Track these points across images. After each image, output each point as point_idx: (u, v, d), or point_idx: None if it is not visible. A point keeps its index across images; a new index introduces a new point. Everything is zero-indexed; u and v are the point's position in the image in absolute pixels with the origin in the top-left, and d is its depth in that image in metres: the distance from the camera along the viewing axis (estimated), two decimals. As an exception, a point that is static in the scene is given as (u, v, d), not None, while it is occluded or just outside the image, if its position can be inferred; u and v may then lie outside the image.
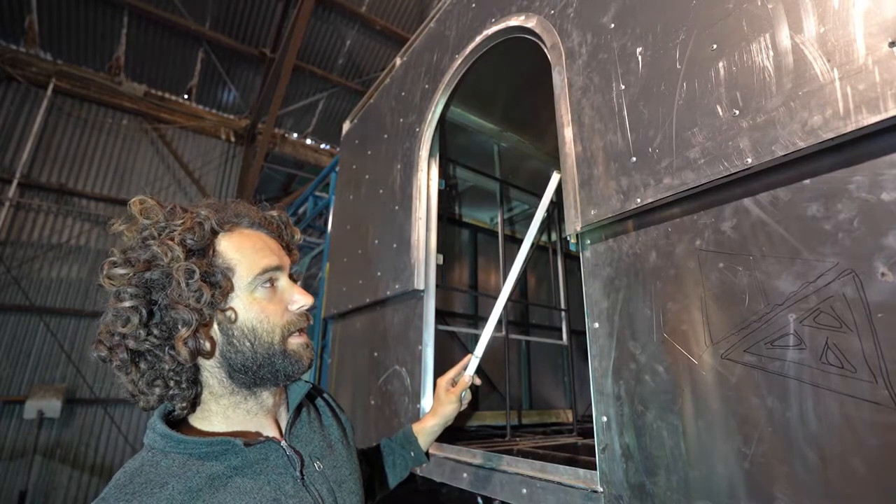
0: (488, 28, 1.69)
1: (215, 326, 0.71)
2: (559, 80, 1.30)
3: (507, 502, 1.23)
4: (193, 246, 0.70)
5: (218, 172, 8.78)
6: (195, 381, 0.71)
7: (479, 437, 1.95)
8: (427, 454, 1.27)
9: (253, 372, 0.72)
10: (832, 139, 0.71)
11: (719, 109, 0.88)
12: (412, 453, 1.22)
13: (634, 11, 1.11)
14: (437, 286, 1.81)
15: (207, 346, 0.70)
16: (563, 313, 2.81)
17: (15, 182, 6.81)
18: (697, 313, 0.89)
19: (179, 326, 0.67)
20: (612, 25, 1.16)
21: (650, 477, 0.92)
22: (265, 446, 0.72)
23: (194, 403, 0.73)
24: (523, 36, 1.54)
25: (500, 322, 1.37)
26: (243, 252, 0.74)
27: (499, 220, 2.70)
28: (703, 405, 0.86)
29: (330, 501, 0.75)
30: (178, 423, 0.73)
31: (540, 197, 1.41)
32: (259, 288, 0.74)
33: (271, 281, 0.76)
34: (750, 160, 0.81)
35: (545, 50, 1.39)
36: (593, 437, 1.05)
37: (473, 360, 1.27)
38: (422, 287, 1.76)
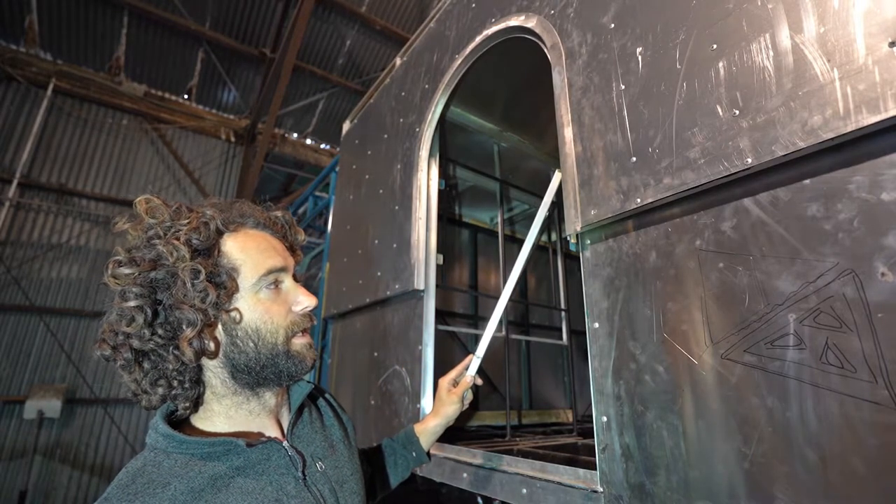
0: (488, 28, 1.69)
1: (219, 327, 0.71)
2: (559, 80, 1.30)
3: (507, 502, 1.23)
4: (199, 246, 0.70)
5: (218, 172, 8.78)
6: (198, 381, 0.71)
7: (479, 437, 1.96)
8: (428, 454, 1.27)
9: (256, 372, 0.72)
10: (832, 139, 0.71)
11: (719, 109, 0.88)
12: (414, 453, 1.22)
13: (634, 11, 1.11)
14: (437, 286, 1.81)
15: (212, 346, 0.70)
16: (563, 313, 2.81)
17: (15, 182, 6.81)
18: (697, 313, 0.89)
19: (184, 327, 0.66)
20: (612, 25, 1.16)
21: (650, 477, 0.92)
22: (267, 447, 0.72)
23: (197, 403, 0.73)
24: (523, 36, 1.54)
25: (500, 322, 1.37)
26: (248, 253, 0.74)
27: (499, 220, 2.70)
28: (703, 405, 0.86)
29: (332, 501, 0.75)
30: (180, 423, 0.73)
31: (540, 197, 1.42)
32: (263, 289, 0.74)
33: (276, 282, 0.76)
34: (750, 160, 0.81)
35: (545, 50, 1.39)
36: (593, 437, 1.05)
37: (475, 361, 1.27)
38: (422, 287, 1.76)
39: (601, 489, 1.00)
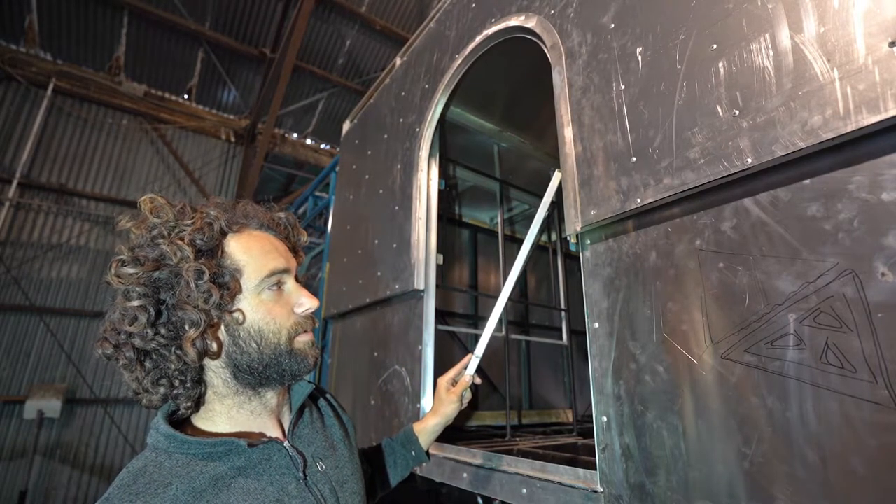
0: (488, 28, 1.69)
1: (222, 327, 0.71)
2: (559, 80, 1.30)
3: (507, 502, 1.23)
4: (203, 246, 0.70)
5: (218, 172, 8.78)
6: (199, 381, 0.71)
7: (479, 437, 1.96)
8: (428, 453, 1.27)
9: (259, 373, 0.73)
10: (832, 139, 0.71)
11: (719, 109, 0.88)
12: (413, 452, 1.22)
13: (634, 11, 1.11)
14: (437, 286, 1.81)
15: (214, 346, 0.70)
16: (563, 313, 2.81)
17: (15, 182, 6.80)
18: (697, 313, 0.89)
19: (187, 327, 0.66)
20: (612, 25, 1.16)
21: (650, 477, 0.92)
22: (268, 447, 0.72)
23: (198, 403, 0.73)
24: (523, 36, 1.54)
25: (500, 322, 1.37)
26: (251, 254, 0.74)
27: (499, 220, 2.70)
28: (703, 405, 0.86)
29: (332, 502, 0.75)
30: (181, 423, 0.73)
31: (540, 197, 1.42)
32: (266, 290, 0.74)
33: (278, 283, 0.76)
34: (750, 160, 0.81)
35: (545, 50, 1.39)
36: (593, 437, 1.05)
37: (474, 360, 1.27)
38: (422, 287, 1.76)
39: (601, 489, 1.00)
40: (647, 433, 0.94)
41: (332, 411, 0.94)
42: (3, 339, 6.52)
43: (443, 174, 2.09)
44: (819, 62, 0.75)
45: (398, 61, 2.38)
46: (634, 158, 1.03)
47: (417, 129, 2.00)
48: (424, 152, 1.93)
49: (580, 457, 1.42)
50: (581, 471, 1.07)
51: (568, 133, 1.23)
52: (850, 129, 0.69)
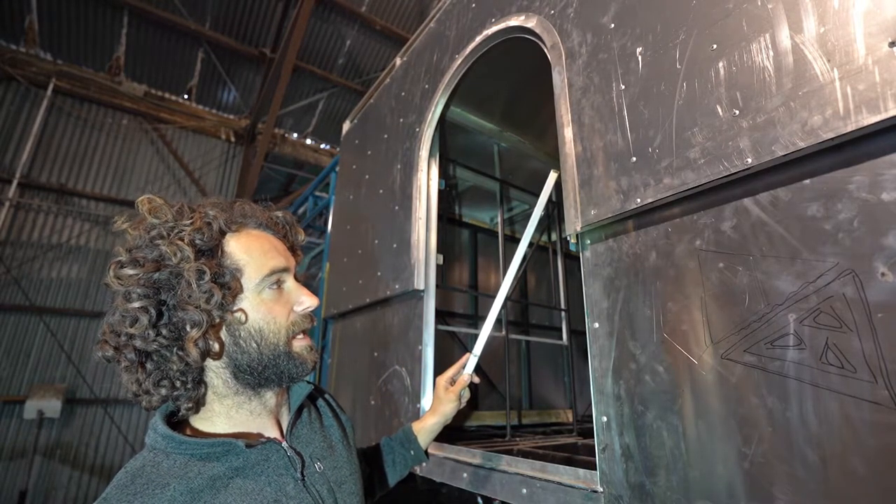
0: (488, 28, 1.69)
1: (223, 327, 0.71)
2: (559, 80, 1.30)
3: (507, 502, 1.23)
4: (203, 246, 0.70)
5: (218, 172, 8.78)
6: (200, 382, 0.71)
7: (479, 437, 1.96)
8: (427, 453, 1.27)
9: (258, 373, 0.73)
10: (832, 139, 0.71)
11: (719, 109, 0.88)
12: (412, 452, 1.22)
13: (634, 11, 1.11)
14: (437, 286, 1.81)
15: (216, 346, 0.70)
16: (563, 313, 2.81)
17: (15, 182, 6.80)
18: (697, 313, 0.89)
19: (189, 327, 0.66)
20: (612, 25, 1.16)
21: (650, 477, 0.92)
22: (266, 447, 0.72)
23: (198, 404, 0.73)
24: (523, 36, 1.54)
25: (499, 322, 1.38)
26: (251, 253, 0.74)
27: (499, 220, 2.70)
28: (703, 405, 0.86)
29: (330, 502, 0.75)
30: (179, 423, 0.73)
31: (539, 197, 1.41)
32: (266, 289, 0.74)
33: (278, 282, 0.76)
34: (750, 160, 0.81)
35: (545, 50, 1.39)
36: (593, 437, 1.05)
37: (472, 359, 1.27)
38: (422, 287, 1.76)
39: (601, 489, 1.00)
40: (647, 433, 0.94)
41: (330, 411, 0.94)
42: (3, 339, 6.52)
43: (443, 174, 2.09)
44: (819, 62, 0.75)
45: (398, 61, 2.38)
46: (634, 158, 1.03)
47: (417, 129, 2.00)
48: (424, 152, 1.93)
49: (580, 457, 1.42)
50: (581, 471, 1.07)
51: (568, 133, 1.23)
52: (850, 129, 0.69)
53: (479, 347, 1.28)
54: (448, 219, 2.66)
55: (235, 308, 0.71)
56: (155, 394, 0.68)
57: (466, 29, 1.83)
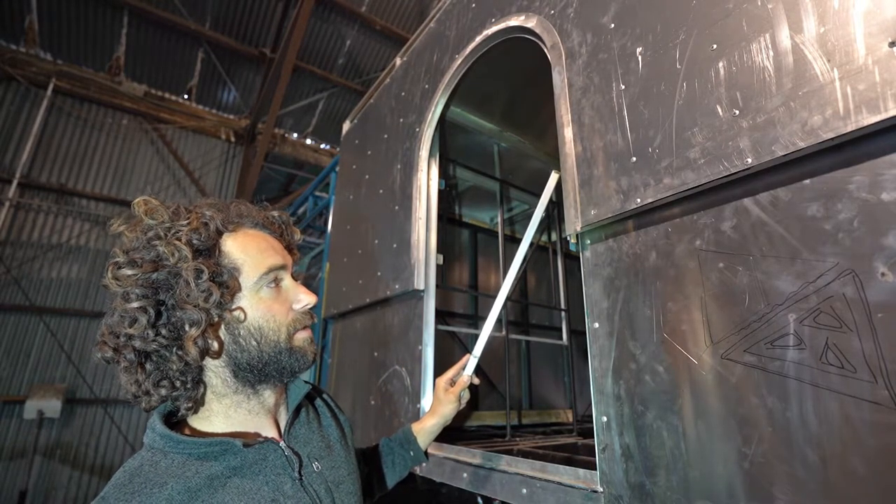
0: (488, 28, 1.69)
1: (222, 326, 0.72)
2: (559, 80, 1.30)
3: (507, 502, 1.23)
4: (200, 246, 0.70)
5: (218, 172, 8.78)
6: (199, 381, 0.71)
7: (479, 437, 1.95)
8: (426, 453, 1.27)
9: (259, 370, 0.73)
10: (832, 139, 0.71)
11: (719, 109, 0.88)
12: (411, 452, 1.22)
13: (634, 11, 1.11)
14: (437, 286, 1.81)
15: (216, 345, 0.70)
16: (563, 313, 2.81)
17: (15, 182, 6.81)
18: (697, 313, 0.89)
19: (187, 326, 0.67)
20: (612, 25, 1.16)
21: (650, 477, 0.92)
22: (264, 447, 0.72)
23: (197, 403, 0.73)
24: (523, 36, 1.54)
25: (499, 322, 1.37)
26: (248, 252, 0.75)
27: (499, 220, 2.70)
28: (703, 405, 0.86)
29: (328, 502, 0.75)
30: (178, 423, 0.73)
31: (540, 197, 1.41)
32: (264, 288, 0.75)
33: (276, 280, 0.77)
34: (750, 160, 0.81)
35: (545, 50, 1.39)
36: (593, 437, 1.05)
37: (472, 360, 1.27)
38: (422, 287, 1.76)
39: (601, 489, 1.00)
40: (647, 433, 0.94)
41: (328, 411, 0.94)
42: (3, 339, 6.52)
43: (443, 174, 2.09)
44: (819, 62, 0.75)
45: (398, 61, 2.38)
46: (634, 158, 1.03)
47: (417, 129, 2.00)
48: (424, 152, 1.93)
49: (580, 457, 1.42)
50: (581, 471, 1.07)
51: (568, 133, 1.23)
52: (850, 129, 0.69)
53: (479, 349, 1.28)
54: (448, 219, 2.66)
55: (234, 307, 0.72)
56: (154, 394, 0.68)
57: (466, 29, 1.83)
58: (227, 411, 0.74)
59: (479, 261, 2.81)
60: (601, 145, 1.12)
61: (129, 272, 0.67)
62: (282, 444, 0.75)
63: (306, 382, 0.86)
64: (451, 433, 1.61)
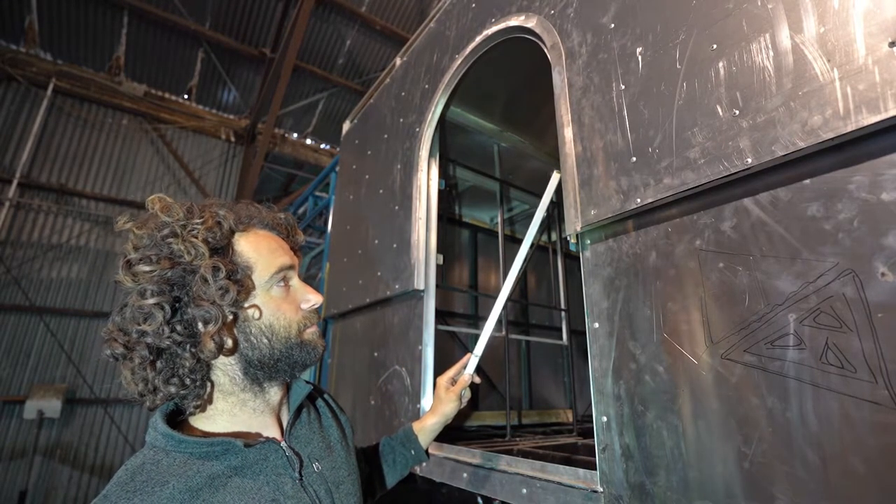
0: (488, 28, 1.69)
1: (236, 324, 0.73)
2: (559, 80, 1.30)
3: (507, 502, 1.23)
4: (215, 244, 0.71)
5: (218, 172, 8.78)
6: (207, 379, 0.71)
7: (479, 437, 1.96)
8: (427, 453, 1.27)
9: (270, 367, 0.74)
10: (832, 139, 0.71)
11: (719, 109, 0.88)
12: (412, 451, 1.22)
13: (634, 11, 1.11)
14: (437, 286, 1.81)
15: (230, 342, 0.71)
16: (563, 313, 2.81)
17: (15, 182, 6.80)
18: (697, 313, 0.89)
19: (202, 324, 0.67)
20: (612, 25, 1.16)
21: (650, 477, 0.92)
22: (265, 447, 0.72)
23: (203, 402, 0.73)
24: (523, 36, 1.54)
25: (500, 322, 1.37)
26: (260, 251, 0.76)
27: (499, 220, 2.70)
28: (703, 405, 0.86)
29: (328, 502, 0.75)
30: (180, 422, 0.73)
31: (540, 197, 1.41)
32: (275, 287, 0.76)
33: (286, 280, 0.78)
34: (750, 160, 0.81)
35: (545, 50, 1.39)
36: (593, 437, 1.05)
37: (473, 359, 1.27)
38: (422, 287, 1.76)
39: (601, 489, 1.00)
40: (647, 433, 0.94)
41: (329, 412, 0.94)
42: (3, 339, 6.52)
43: (443, 174, 2.09)
44: (819, 62, 0.75)
45: (398, 61, 2.38)
46: (634, 158, 1.03)
47: (417, 129, 2.00)
48: (424, 152, 1.93)
49: (580, 457, 1.42)
50: (581, 471, 1.07)
51: (568, 133, 1.23)
52: (850, 129, 0.69)
53: (480, 348, 1.28)
54: (448, 219, 2.66)
55: (248, 305, 0.73)
56: (163, 391, 0.68)
57: (466, 29, 1.83)
58: (232, 409, 0.74)
59: (479, 261, 2.81)
60: (601, 145, 1.13)
61: (146, 268, 0.67)
62: (283, 444, 0.75)
63: (308, 383, 0.86)
64: (451, 433, 1.61)
